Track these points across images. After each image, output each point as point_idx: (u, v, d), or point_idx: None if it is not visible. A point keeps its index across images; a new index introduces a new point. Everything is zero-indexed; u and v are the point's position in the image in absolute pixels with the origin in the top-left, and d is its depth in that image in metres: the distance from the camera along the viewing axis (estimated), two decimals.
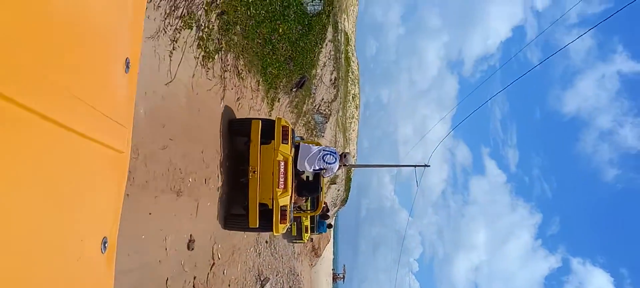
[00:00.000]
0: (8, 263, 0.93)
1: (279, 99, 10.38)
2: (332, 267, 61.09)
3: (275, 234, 6.56)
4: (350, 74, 34.58)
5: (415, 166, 24.78)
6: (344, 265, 67.54)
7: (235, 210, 6.65)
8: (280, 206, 6.35)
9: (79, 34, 1.21)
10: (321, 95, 18.87)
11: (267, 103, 9.28)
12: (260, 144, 6.39)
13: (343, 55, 27.60)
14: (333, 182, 28.61)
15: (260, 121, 6.51)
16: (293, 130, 6.87)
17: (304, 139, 8.37)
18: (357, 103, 41.67)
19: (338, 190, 34.54)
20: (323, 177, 7.23)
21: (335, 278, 58.75)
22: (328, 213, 15.53)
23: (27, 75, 0.97)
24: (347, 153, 7.38)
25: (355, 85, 40.19)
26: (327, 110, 20.15)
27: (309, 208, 9.82)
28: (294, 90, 11.58)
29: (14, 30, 0.91)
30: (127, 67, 1.53)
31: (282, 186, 6.41)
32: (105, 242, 1.43)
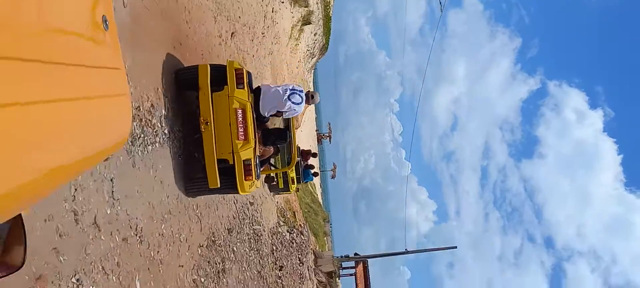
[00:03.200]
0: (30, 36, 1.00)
1: None
2: (315, 128, 57.68)
3: (241, 193, 5.94)
4: None
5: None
6: (329, 124, 62.67)
7: (197, 173, 5.91)
8: (243, 160, 5.66)
9: None
10: None
11: None
12: (212, 92, 5.50)
13: None
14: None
15: (208, 66, 5.54)
16: (249, 73, 5.92)
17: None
18: None
19: (315, 35, 29.96)
20: (283, 116, 6.37)
21: (319, 139, 54.71)
22: (313, 165, 14.76)
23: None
24: (315, 92, 6.50)
25: None
26: None
27: (281, 165, 9.06)
28: None
29: None
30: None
31: (243, 137, 5.64)
32: (105, 20, 1.47)
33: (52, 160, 1.12)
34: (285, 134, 6.66)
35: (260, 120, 6.11)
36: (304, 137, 33.48)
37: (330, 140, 57.89)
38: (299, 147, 12.71)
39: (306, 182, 16.56)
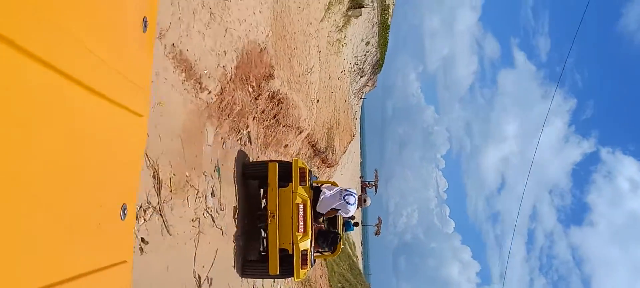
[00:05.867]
0: (29, 226, 0.92)
1: None
2: (359, 174, 50.62)
3: (295, 280, 6.41)
4: None
5: None
6: (376, 171, 51.52)
7: (252, 256, 6.45)
8: (301, 250, 6.13)
9: None
10: None
11: None
12: (278, 187, 6.06)
13: None
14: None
15: (276, 163, 6.12)
16: (310, 171, 6.46)
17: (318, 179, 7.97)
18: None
19: (368, 45, 22.56)
20: (338, 214, 6.87)
21: (364, 188, 44.73)
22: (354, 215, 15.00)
23: (35, 19, 0.89)
24: (367, 196, 6.96)
25: None
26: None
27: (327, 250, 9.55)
28: None
29: None
30: (145, 26, 1.45)
31: (302, 230, 6.15)
32: (124, 209, 1.40)
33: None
34: (336, 236, 7.10)
35: (316, 216, 6.60)
36: (345, 182, 26.06)
37: (376, 190, 48.51)
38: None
39: (347, 232, 16.26)
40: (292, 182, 6.09)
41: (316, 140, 12.65)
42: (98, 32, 1.16)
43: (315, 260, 11.19)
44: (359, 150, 54.14)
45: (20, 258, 0.90)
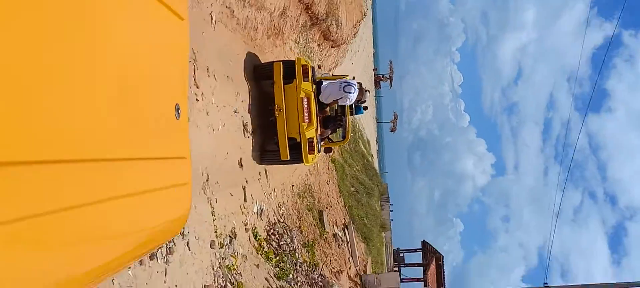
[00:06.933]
0: (105, 120, 1.06)
1: None
2: (373, 67, 47.45)
3: (305, 164, 7.42)
4: None
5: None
6: (391, 62, 49.48)
7: (269, 146, 7.44)
8: (307, 138, 7.06)
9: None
10: None
11: None
12: (284, 84, 6.85)
13: None
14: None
15: (281, 63, 6.86)
16: (313, 68, 7.18)
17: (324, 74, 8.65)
18: None
19: None
20: (338, 104, 7.72)
21: (378, 81, 44.77)
22: (365, 100, 15.34)
23: None
24: (367, 90, 7.71)
25: None
26: None
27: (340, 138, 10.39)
28: None
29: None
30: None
31: (307, 120, 7.02)
32: (178, 109, 1.49)
33: (109, 254, 1.18)
34: (341, 119, 8.02)
35: (321, 107, 7.46)
36: (357, 74, 24.48)
37: (391, 83, 46.77)
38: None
39: (358, 114, 16.52)
40: (296, 78, 6.87)
41: None
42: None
43: (329, 149, 11.72)
44: (372, 39, 49.77)
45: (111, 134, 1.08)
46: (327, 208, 11.56)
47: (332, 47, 14.24)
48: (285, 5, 8.50)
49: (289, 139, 6.99)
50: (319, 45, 12.76)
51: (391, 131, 51.46)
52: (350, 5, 15.75)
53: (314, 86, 7.23)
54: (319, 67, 11.18)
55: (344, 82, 7.41)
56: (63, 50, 0.92)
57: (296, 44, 10.45)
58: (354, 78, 8.01)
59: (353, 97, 7.40)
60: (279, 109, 6.90)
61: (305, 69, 6.93)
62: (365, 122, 36.76)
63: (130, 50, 1.21)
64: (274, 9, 8.07)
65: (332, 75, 9.83)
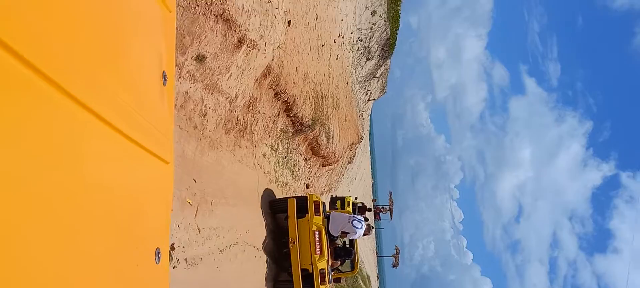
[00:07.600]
0: (70, 266, 0.94)
1: None
2: (372, 197, 46.99)
3: None
4: None
5: None
6: (390, 193, 47.28)
7: (282, 276, 7.87)
8: (319, 269, 7.52)
9: (125, 44, 1.28)
10: None
11: None
12: (297, 218, 7.49)
13: None
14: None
15: (294, 199, 7.56)
16: (324, 204, 7.91)
17: (337, 209, 9.51)
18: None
19: (374, 15, 18.40)
20: (347, 238, 8.36)
21: (377, 213, 41.25)
22: (367, 217, 16.25)
23: (83, 72, 1.00)
24: (373, 227, 8.46)
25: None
26: None
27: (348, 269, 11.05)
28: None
29: (77, 33, 0.99)
30: (165, 79, 1.55)
31: (319, 252, 7.55)
32: (158, 253, 1.41)
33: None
34: (350, 251, 8.58)
35: (332, 239, 8.04)
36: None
37: (391, 215, 44.24)
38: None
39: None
40: (308, 213, 7.53)
41: (293, 97, 8.33)
42: (127, 84, 1.25)
43: (338, 280, 12.08)
44: (370, 169, 50.26)
45: None
46: None
47: (322, 165, 12.54)
48: (252, 96, 6.79)
49: (302, 270, 7.45)
50: (305, 159, 11.06)
51: (393, 266, 49.78)
52: (344, 122, 14.59)
53: (325, 220, 7.86)
54: (307, 187, 11.18)
55: (353, 216, 8.09)
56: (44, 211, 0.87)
57: (272, 151, 8.66)
58: (356, 198, 8.75)
59: (360, 232, 8.02)
60: (293, 242, 7.46)
61: (317, 205, 7.64)
62: (365, 256, 36.21)
63: (110, 198, 1.16)
64: (235, 96, 6.20)
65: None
